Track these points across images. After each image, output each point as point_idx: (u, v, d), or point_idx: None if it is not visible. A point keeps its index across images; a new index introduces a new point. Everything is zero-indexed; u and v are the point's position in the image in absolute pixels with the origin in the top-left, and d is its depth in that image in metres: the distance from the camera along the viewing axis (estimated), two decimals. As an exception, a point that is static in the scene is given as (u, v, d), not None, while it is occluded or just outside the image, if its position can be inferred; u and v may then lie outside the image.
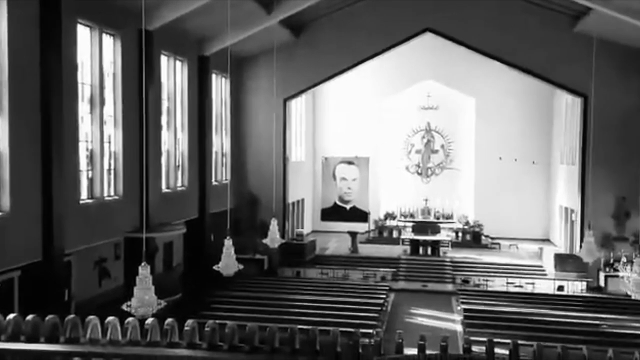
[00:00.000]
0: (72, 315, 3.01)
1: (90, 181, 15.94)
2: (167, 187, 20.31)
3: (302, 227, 30.55)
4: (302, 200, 31.57)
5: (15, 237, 12.42)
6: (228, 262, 12.18)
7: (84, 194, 15.52)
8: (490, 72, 30.39)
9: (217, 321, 5.99)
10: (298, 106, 30.85)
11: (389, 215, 32.28)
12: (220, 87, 25.03)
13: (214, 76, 23.69)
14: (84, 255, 15.57)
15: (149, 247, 16.62)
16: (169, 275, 17.85)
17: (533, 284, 22.55)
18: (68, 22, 14.06)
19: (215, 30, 20.90)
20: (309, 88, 26.89)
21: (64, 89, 13.75)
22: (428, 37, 25.47)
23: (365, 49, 25.17)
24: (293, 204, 29.17)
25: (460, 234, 30.49)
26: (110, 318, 2.89)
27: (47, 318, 3.01)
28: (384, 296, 19.95)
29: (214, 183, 23.70)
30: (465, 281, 23.49)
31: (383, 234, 31.27)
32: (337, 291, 20.21)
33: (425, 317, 19.29)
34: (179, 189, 21.14)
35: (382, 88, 32.98)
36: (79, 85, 15.22)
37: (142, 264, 9.04)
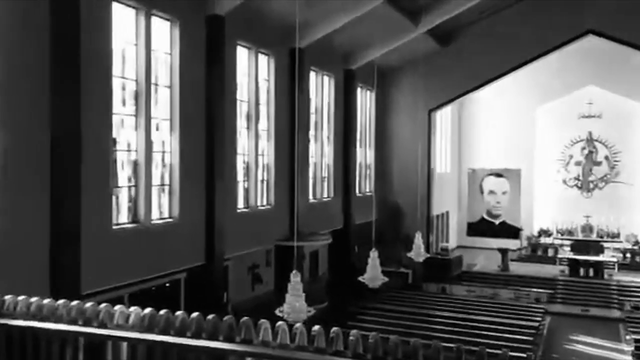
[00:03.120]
0: (245, 318, 3.18)
1: (246, 191, 17.03)
2: (314, 198, 21.00)
3: (447, 242, 29.68)
4: (447, 213, 30.71)
5: (182, 241, 13.66)
6: (373, 274, 12.22)
7: (240, 203, 16.62)
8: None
9: (363, 332, 6.00)
10: (443, 117, 30.17)
11: (544, 232, 30.13)
12: (364, 100, 25.37)
13: (359, 89, 24.10)
14: (239, 260, 16.62)
15: (297, 256, 17.28)
16: (315, 283, 18.37)
17: None
18: (230, 45, 15.24)
19: (361, 44, 21.27)
20: (456, 98, 26.18)
21: (225, 106, 14.91)
22: (587, 39, 23.45)
23: (517, 56, 23.90)
24: (437, 217, 28.50)
25: (628, 255, 27.45)
26: (279, 322, 3.03)
27: (224, 318, 3.22)
28: (539, 319, 18.59)
29: (358, 194, 24.01)
30: (636, 308, 21.06)
31: (537, 252, 29.24)
32: (485, 310, 19.27)
33: (587, 345, 17.61)
34: (324, 199, 21.75)
35: (536, 95, 30.99)
36: (237, 102, 16.40)
37: (293, 271, 9.43)
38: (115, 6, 11.92)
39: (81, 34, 10.45)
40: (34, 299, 3.50)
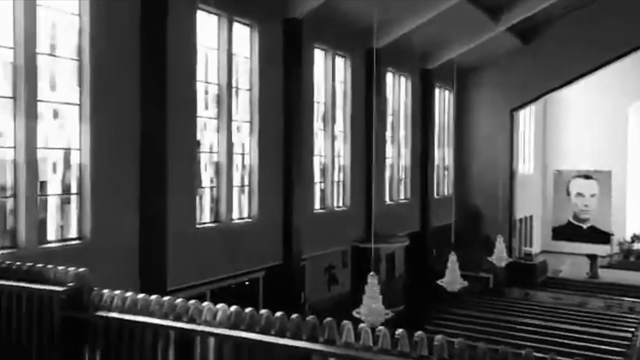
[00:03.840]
0: (329, 319, 3.19)
1: (322, 192, 17.16)
2: (391, 200, 20.81)
3: (531, 246, 28.47)
4: (530, 217, 29.44)
5: (261, 241, 13.96)
6: (452, 278, 11.95)
7: (317, 204, 16.76)
8: None
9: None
10: (526, 116, 28.98)
11: (637, 238, 28.20)
12: (443, 100, 24.85)
13: (436, 89, 23.64)
14: (315, 261, 16.76)
15: (374, 258, 17.18)
16: (392, 286, 18.19)
17: None
18: (306, 47, 15.43)
19: (439, 43, 20.86)
20: (538, 97, 25.08)
21: (302, 107, 15.10)
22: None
23: (603, 53, 22.52)
24: (520, 220, 27.39)
25: None
26: (362, 325, 3.02)
27: (307, 319, 3.25)
28: (632, 329, 17.41)
29: (436, 196, 23.54)
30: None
31: (629, 259, 27.40)
32: (572, 319, 18.29)
33: (686, 359, 16.26)
34: (401, 201, 21.50)
35: (627, 93, 29.08)
36: (314, 104, 16.56)
37: (371, 273, 9.37)
38: (200, 14, 12.39)
39: (168, 41, 10.94)
40: (128, 294, 3.70)
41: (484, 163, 25.00)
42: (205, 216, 12.89)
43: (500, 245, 14.60)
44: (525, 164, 29.19)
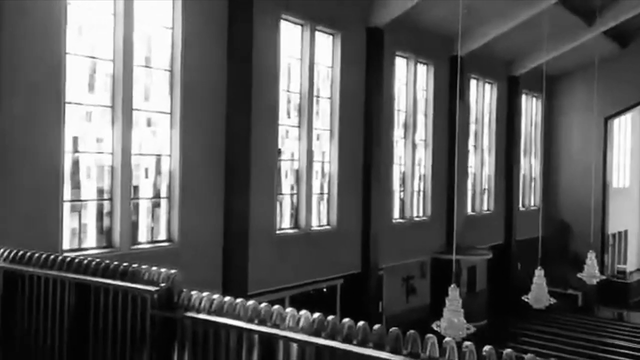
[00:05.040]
0: (412, 331, 3.13)
1: (402, 202, 16.95)
2: (473, 211, 20.21)
3: (625, 264, 26.60)
4: (625, 232, 27.53)
5: (339, 249, 14.00)
6: (539, 294, 11.38)
7: (396, 213, 16.58)
8: None
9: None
10: (622, 124, 27.21)
11: None
12: (530, 108, 23.88)
13: (523, 96, 22.76)
14: (393, 271, 16.57)
15: (455, 270, 16.74)
16: (473, 300, 17.61)
17: None
18: (388, 55, 15.36)
19: (526, 49, 20.06)
20: (637, 105, 23.46)
21: (382, 116, 15.04)
22: None
23: None
24: (613, 235, 25.68)
25: None
26: (447, 339, 2.93)
27: (390, 330, 3.20)
28: None
29: (522, 208, 22.61)
30: None
31: None
32: (674, 344, 16.87)
33: None
34: (484, 212, 20.82)
35: None
36: (395, 112, 16.43)
37: (452, 285, 9.10)
38: (283, 24, 12.68)
39: (253, 51, 11.28)
40: (215, 296, 3.81)
41: (574, 174, 23.70)
42: (285, 222, 13.11)
43: (591, 261, 13.73)
44: (621, 176, 27.36)
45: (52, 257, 4.67)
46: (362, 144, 14.65)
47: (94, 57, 9.41)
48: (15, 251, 4.87)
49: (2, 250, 4.97)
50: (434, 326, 8.71)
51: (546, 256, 22.36)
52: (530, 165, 24.06)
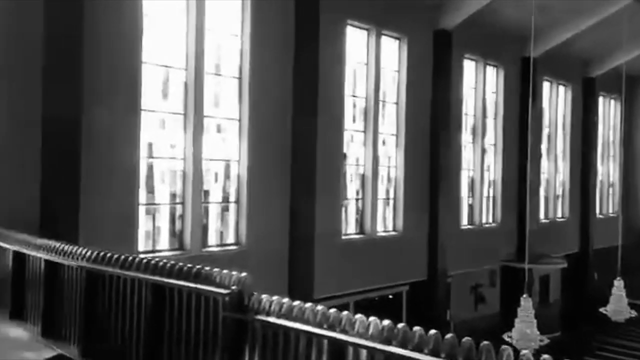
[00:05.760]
0: (486, 342, 3.02)
1: (470, 208, 16.53)
2: (546, 217, 19.42)
3: None
4: None
5: (405, 255, 13.81)
6: (618, 306, 10.79)
7: (464, 219, 16.18)
8: None
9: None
10: None
11: None
12: (608, 110, 22.72)
13: (600, 98, 21.67)
14: (461, 278, 16.15)
15: (527, 279, 16.12)
16: (546, 310, 16.87)
17: None
18: (456, 58, 15.05)
19: (604, 48, 19.09)
20: None
21: (450, 120, 14.74)
22: None
23: None
24: (702, 246, 23.91)
25: None
26: (524, 351, 2.81)
27: (462, 340, 3.11)
28: None
29: (599, 216, 21.48)
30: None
31: None
32: None
33: None
34: (558, 220, 19.95)
35: None
36: (463, 116, 16.06)
37: (524, 295, 8.77)
38: (349, 29, 12.70)
39: (319, 57, 11.36)
40: (285, 300, 3.84)
41: (657, 180, 22.30)
42: (350, 227, 13.09)
43: (678, 273, 12.87)
44: None
45: (130, 258, 4.87)
46: (429, 148, 14.41)
47: (167, 66, 9.79)
48: (97, 252, 5.12)
49: (85, 250, 5.23)
50: (505, 337, 8.46)
51: (626, 266, 21.14)
52: (608, 170, 22.85)
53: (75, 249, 5.39)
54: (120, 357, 4.84)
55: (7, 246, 6.25)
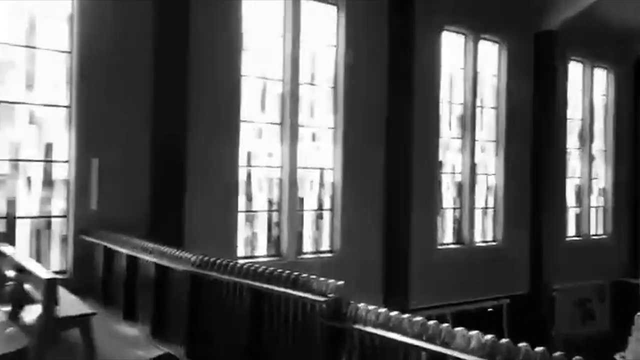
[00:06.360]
0: (579, 358, 2.83)
1: (577, 218, 15.53)
2: (664, 230, 17.78)
3: None
4: None
5: (505, 267, 13.21)
6: None
7: (570, 231, 15.24)
8: None
9: None
10: None
11: None
12: None
13: None
14: (567, 293, 15.19)
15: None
16: (665, 331, 15.45)
17: None
18: (561, 61, 14.27)
19: None
20: None
21: (554, 125, 13.97)
22: None
23: None
24: None
25: None
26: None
27: (574, 359, 2.93)
28: None
29: None
30: None
31: None
32: None
33: None
34: (679, 232, 18.19)
35: None
36: (568, 121, 15.16)
37: (639, 313, 8.11)
38: (446, 34, 12.44)
39: (414, 64, 11.23)
40: (382, 310, 3.80)
41: None
42: (447, 237, 12.76)
43: None
44: None
45: (231, 263, 5.06)
46: (531, 155, 13.74)
47: (265, 78, 10.12)
48: (201, 257, 5.37)
49: (191, 255, 5.51)
50: (617, 357, 7.91)
51: None
52: None
53: (182, 253, 5.70)
54: None
55: (122, 250, 6.72)
